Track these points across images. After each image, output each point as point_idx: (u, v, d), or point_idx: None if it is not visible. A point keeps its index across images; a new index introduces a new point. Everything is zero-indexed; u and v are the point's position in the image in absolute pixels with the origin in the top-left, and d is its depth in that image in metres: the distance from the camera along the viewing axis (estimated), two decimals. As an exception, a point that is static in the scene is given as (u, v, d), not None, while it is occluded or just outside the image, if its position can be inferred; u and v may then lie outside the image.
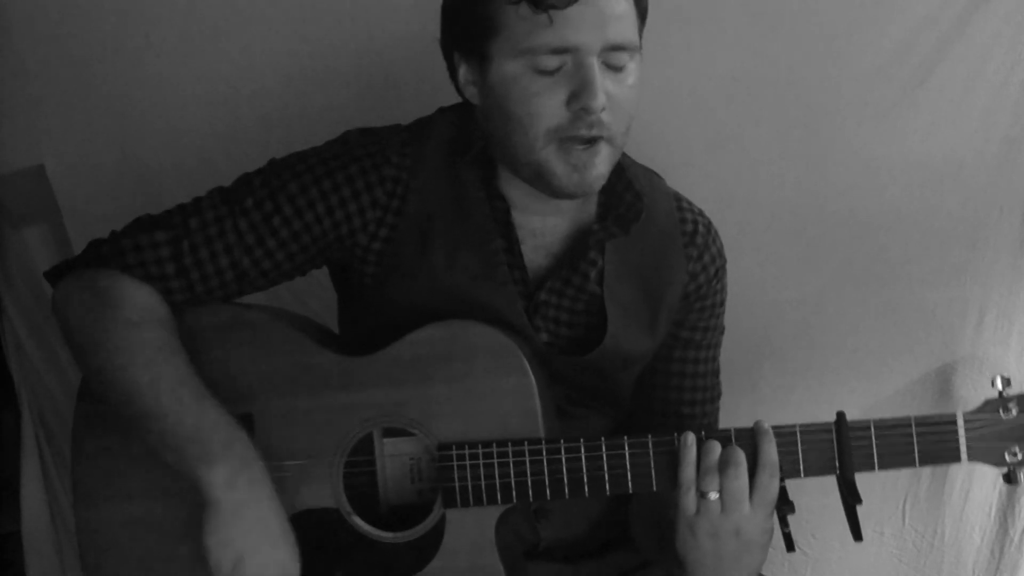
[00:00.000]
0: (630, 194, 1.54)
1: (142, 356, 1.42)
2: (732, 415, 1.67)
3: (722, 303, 1.65)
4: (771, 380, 2.04)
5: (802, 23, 1.92)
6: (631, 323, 1.56)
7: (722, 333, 1.68)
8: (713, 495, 1.39)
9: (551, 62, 1.40)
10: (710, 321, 1.64)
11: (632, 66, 1.43)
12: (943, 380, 2.03)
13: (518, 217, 1.53)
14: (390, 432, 1.52)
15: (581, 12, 1.37)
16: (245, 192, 1.50)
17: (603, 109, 1.40)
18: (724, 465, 1.39)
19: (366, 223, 1.50)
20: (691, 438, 1.41)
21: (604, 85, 1.40)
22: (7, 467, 2.19)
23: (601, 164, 1.44)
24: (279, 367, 1.50)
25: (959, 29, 1.90)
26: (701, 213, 1.64)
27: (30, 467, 2.12)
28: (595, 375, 1.57)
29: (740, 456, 1.39)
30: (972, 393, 2.01)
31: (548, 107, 1.41)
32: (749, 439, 1.42)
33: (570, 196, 1.48)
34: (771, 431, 1.42)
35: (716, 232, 1.64)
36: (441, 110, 1.58)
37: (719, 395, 1.69)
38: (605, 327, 1.54)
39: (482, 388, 1.46)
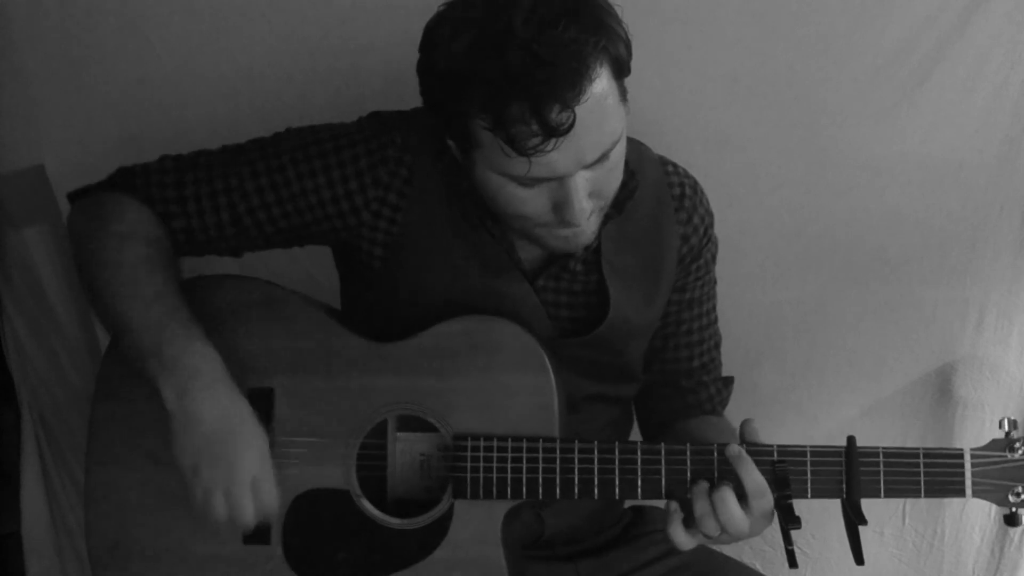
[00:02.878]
0: (624, 173, 1.54)
1: (124, 270, 1.48)
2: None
3: (714, 256, 1.67)
4: (771, 380, 2.04)
5: (802, 23, 1.92)
6: (633, 294, 1.58)
7: (715, 283, 1.69)
8: (715, 530, 1.41)
9: (531, 182, 1.38)
10: (706, 276, 1.66)
11: (616, 145, 1.39)
12: (943, 380, 2.03)
13: None
14: (406, 424, 1.52)
15: (559, 149, 1.32)
16: (255, 148, 1.56)
17: (588, 215, 1.41)
18: (718, 509, 1.40)
19: (368, 201, 1.52)
20: (673, 506, 1.43)
21: (588, 184, 1.38)
22: (7, 467, 2.19)
23: (591, 227, 1.46)
24: (305, 346, 1.52)
25: (959, 29, 1.90)
26: (687, 174, 1.64)
27: (30, 467, 2.11)
28: (605, 351, 1.57)
29: (730, 498, 1.40)
30: (972, 393, 2.01)
31: (533, 210, 1.41)
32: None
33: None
34: (744, 454, 1.42)
35: (702, 190, 1.65)
36: None
37: (720, 341, 1.71)
38: (607, 304, 1.55)
39: (502, 384, 1.47)
